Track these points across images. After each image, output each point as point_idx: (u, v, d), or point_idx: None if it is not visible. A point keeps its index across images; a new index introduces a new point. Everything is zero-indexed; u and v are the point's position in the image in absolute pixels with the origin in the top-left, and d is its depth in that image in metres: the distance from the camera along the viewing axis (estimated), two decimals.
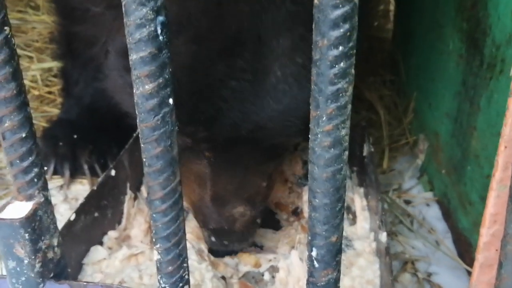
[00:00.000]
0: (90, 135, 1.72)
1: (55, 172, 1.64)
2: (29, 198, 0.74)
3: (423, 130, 1.76)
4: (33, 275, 0.73)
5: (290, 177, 1.59)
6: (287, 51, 0.99)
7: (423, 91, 1.81)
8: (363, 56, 1.58)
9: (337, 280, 0.73)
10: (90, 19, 1.31)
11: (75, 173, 1.66)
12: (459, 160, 1.39)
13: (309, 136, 0.65)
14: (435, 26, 1.67)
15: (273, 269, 1.22)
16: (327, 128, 0.62)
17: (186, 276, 0.77)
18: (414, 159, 1.79)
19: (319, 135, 0.63)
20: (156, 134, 0.65)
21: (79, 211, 1.16)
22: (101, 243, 1.26)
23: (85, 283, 0.80)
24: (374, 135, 1.88)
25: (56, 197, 1.57)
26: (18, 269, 0.73)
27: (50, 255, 0.77)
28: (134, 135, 1.49)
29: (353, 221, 1.34)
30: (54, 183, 1.63)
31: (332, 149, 0.63)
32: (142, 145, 0.67)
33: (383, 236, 1.08)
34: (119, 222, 1.36)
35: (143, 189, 1.51)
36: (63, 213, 1.49)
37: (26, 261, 0.72)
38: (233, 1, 0.96)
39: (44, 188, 0.76)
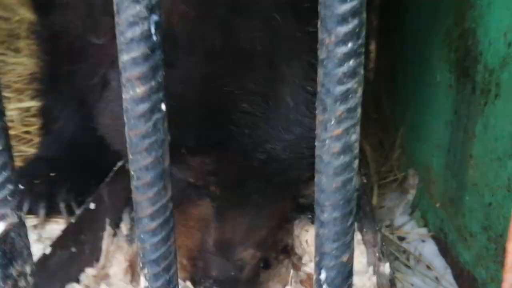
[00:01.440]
0: (68, 173, 1.65)
1: (30, 212, 1.55)
2: (1, 218, 0.66)
3: (412, 165, 1.73)
4: None
5: None
6: (297, 78, 0.96)
7: (411, 126, 1.79)
8: None
9: None
10: (88, 53, 1.26)
11: (51, 212, 1.57)
12: (455, 191, 1.35)
13: (316, 143, 0.60)
14: (420, 61, 1.68)
15: None
16: (336, 133, 0.57)
17: None
18: (404, 195, 1.75)
19: (327, 141, 0.57)
20: (146, 143, 0.59)
21: (55, 245, 1.07)
22: (77, 281, 1.15)
23: None
24: (361, 172, 1.84)
25: (29, 237, 1.46)
26: None
27: (21, 284, 0.68)
28: (115, 168, 1.42)
29: None
30: (29, 222, 1.53)
31: (342, 156, 0.58)
32: (130, 156, 0.61)
33: (386, 267, 1.01)
34: (97, 260, 1.26)
35: (123, 225, 1.42)
36: (36, 253, 1.38)
37: None
38: (247, 23, 0.93)
39: (19, 208, 0.68)
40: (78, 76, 1.34)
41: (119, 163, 1.43)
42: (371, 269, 1.15)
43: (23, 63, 2.58)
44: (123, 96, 0.58)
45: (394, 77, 1.98)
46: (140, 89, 0.57)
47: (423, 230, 1.57)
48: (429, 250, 1.49)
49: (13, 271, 0.66)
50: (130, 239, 1.39)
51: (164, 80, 0.58)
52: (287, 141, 0.97)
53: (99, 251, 1.28)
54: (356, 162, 0.60)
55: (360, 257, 1.23)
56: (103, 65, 1.04)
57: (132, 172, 0.62)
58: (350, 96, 0.55)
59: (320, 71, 0.55)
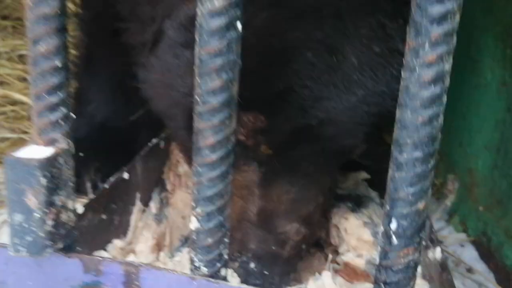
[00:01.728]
0: (97, 154, 1.62)
1: None
2: (51, 142, 0.62)
3: (452, 171, 1.66)
4: (42, 234, 0.59)
5: None
6: (364, 38, 0.90)
7: (452, 131, 1.72)
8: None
9: (417, 264, 0.59)
10: (137, 15, 1.22)
11: (77, 191, 1.53)
12: (504, 191, 1.28)
13: (402, 72, 0.54)
14: (467, 63, 1.62)
15: None
16: (429, 59, 0.52)
17: (225, 256, 0.63)
18: (441, 201, 1.67)
19: (417, 68, 0.52)
20: (217, 63, 0.55)
21: (88, 207, 1.02)
22: (104, 250, 1.10)
23: (100, 258, 0.65)
24: None
25: None
26: (25, 224, 0.59)
27: (64, 217, 0.63)
28: (150, 144, 1.38)
29: None
30: None
31: (433, 86, 0.53)
32: (198, 79, 0.57)
33: (437, 252, 0.94)
34: (125, 234, 1.21)
35: (152, 204, 1.37)
36: None
37: (36, 215, 0.59)
38: None
39: (69, 135, 0.64)
40: (122, 44, 1.31)
41: (154, 140, 1.39)
42: None
43: None
44: (198, 11, 0.54)
45: None
46: (218, 1, 0.53)
47: (462, 235, 1.49)
48: (470, 254, 1.41)
49: (57, 200, 0.61)
50: (158, 219, 1.34)
51: None
52: (348, 102, 0.90)
53: (128, 225, 1.23)
54: (445, 96, 0.54)
55: None
56: (156, 19, 1.00)
57: (196, 97, 0.57)
58: (449, 17, 0.50)
59: None
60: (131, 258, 1.11)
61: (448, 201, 1.63)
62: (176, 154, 1.48)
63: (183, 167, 1.51)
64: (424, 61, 0.52)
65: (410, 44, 0.52)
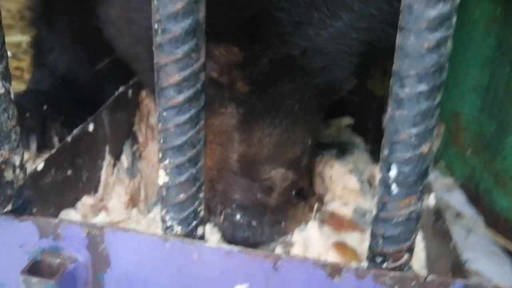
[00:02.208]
0: (62, 107, 1.52)
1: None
2: None
3: None
4: None
5: None
6: None
7: None
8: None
9: (419, 216, 0.52)
10: None
11: (43, 147, 1.44)
12: (493, 134, 1.22)
13: None
14: None
15: (286, 244, 1.00)
16: None
17: (202, 213, 0.55)
18: None
19: None
20: None
21: (49, 163, 0.92)
22: (73, 208, 1.02)
23: (56, 221, 0.56)
24: None
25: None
26: None
27: (8, 175, 0.54)
28: (116, 93, 1.27)
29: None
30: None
31: (441, 3, 0.44)
32: (155, 2, 0.46)
33: (431, 199, 0.88)
34: (95, 190, 1.12)
35: (124, 158, 1.28)
36: None
37: None
38: None
39: (5, 77, 0.53)
40: None
41: (121, 88, 1.28)
42: None
43: None
44: None
45: None
46: None
47: (449, 180, 1.45)
48: (457, 199, 1.37)
49: None
50: (131, 173, 1.26)
51: None
52: (333, 27, 0.80)
53: (98, 180, 1.14)
54: (455, 15, 0.45)
55: None
56: None
57: (155, 25, 0.47)
58: None
59: None
60: (102, 215, 1.03)
61: (434, 146, 1.58)
62: (147, 104, 1.38)
63: (155, 118, 1.42)
64: None
65: None
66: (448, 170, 1.47)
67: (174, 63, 0.47)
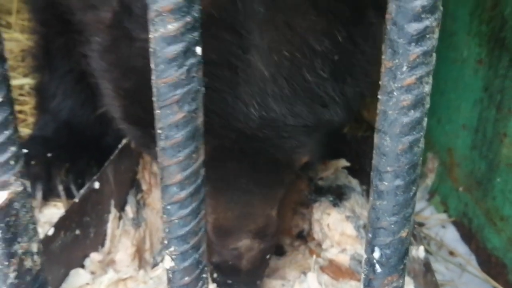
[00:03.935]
0: (67, 153, 1.55)
1: None
2: (3, 186, 0.56)
3: (431, 148, 1.65)
4: None
5: (293, 196, 1.43)
6: (273, 44, 0.80)
7: (430, 107, 1.70)
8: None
9: None
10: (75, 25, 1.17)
11: (49, 195, 1.47)
12: (484, 173, 1.27)
13: (379, 96, 0.51)
14: (443, 35, 1.59)
15: None
16: (407, 82, 0.48)
17: None
18: (422, 180, 1.66)
19: (395, 92, 0.48)
20: (178, 94, 0.50)
21: (59, 226, 0.97)
22: (82, 267, 1.06)
23: None
24: None
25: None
26: None
27: (28, 263, 0.59)
28: (120, 146, 1.32)
29: None
30: None
31: (412, 111, 0.49)
32: (158, 111, 0.52)
33: (420, 251, 0.93)
34: (102, 244, 1.17)
35: (128, 208, 1.33)
36: None
37: None
38: None
39: (23, 175, 0.58)
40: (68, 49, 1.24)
41: (124, 141, 1.33)
42: None
43: (15, 39, 2.45)
44: (151, 35, 0.49)
45: None
46: (172, 26, 0.48)
47: (443, 216, 1.49)
48: (451, 236, 1.41)
49: (18, 248, 0.56)
50: (136, 223, 1.30)
51: (200, 15, 0.49)
52: (264, 118, 0.83)
53: (104, 235, 1.18)
54: (426, 119, 0.51)
55: None
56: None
57: (159, 131, 0.52)
58: (427, 36, 0.46)
59: (392, 5, 0.46)
60: (111, 273, 1.07)
61: (429, 181, 1.63)
62: (147, 155, 1.43)
63: (158, 165, 1.46)
64: (402, 85, 0.48)
65: (386, 65, 0.48)
66: (443, 205, 1.52)
67: (177, 164, 0.53)
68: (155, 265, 1.22)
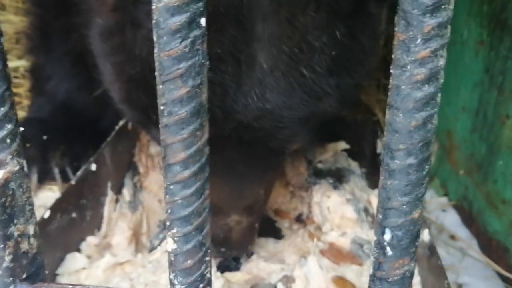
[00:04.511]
0: (62, 136, 1.54)
1: None
2: None
3: None
4: (0, 272, 0.53)
5: (292, 180, 1.41)
6: (273, 38, 0.82)
7: None
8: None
9: (412, 274, 0.56)
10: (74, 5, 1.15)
11: (44, 178, 1.45)
12: (484, 156, 1.26)
13: (391, 70, 0.48)
14: None
15: (287, 279, 1.03)
16: (421, 55, 0.46)
17: (208, 275, 0.58)
18: None
19: (408, 66, 0.46)
20: (182, 68, 0.48)
21: (55, 208, 0.95)
22: (78, 250, 1.04)
23: (70, 287, 0.59)
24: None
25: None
26: None
27: (24, 246, 0.57)
28: (117, 127, 1.30)
29: (372, 224, 1.18)
30: None
31: (426, 85, 0.47)
32: (160, 86, 0.49)
33: (425, 234, 0.91)
34: (99, 228, 1.15)
35: (125, 191, 1.31)
36: None
37: None
38: None
39: (19, 154, 0.56)
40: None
41: (121, 122, 1.31)
42: None
43: (10, 20, 2.40)
44: (153, 7, 0.46)
45: None
46: None
47: (444, 199, 1.48)
48: (451, 220, 1.40)
49: (14, 231, 0.54)
50: (133, 206, 1.28)
51: None
52: (262, 110, 0.85)
53: (101, 218, 1.17)
54: (440, 94, 0.49)
55: None
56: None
57: (162, 107, 0.50)
58: (443, 7, 0.44)
59: None
60: (108, 257, 1.05)
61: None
62: (146, 134, 1.41)
63: (155, 148, 1.44)
64: (416, 58, 0.46)
65: (399, 37, 0.46)
66: (443, 189, 1.51)
67: (180, 142, 0.50)
68: (152, 249, 1.20)
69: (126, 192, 1.30)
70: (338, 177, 1.28)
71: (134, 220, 1.23)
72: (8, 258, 0.53)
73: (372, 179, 1.35)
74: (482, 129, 1.28)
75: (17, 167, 0.55)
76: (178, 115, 0.49)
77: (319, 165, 1.34)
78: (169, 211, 0.54)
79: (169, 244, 0.56)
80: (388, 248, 0.53)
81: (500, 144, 1.18)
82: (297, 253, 1.18)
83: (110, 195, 1.21)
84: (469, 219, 1.34)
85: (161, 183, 1.40)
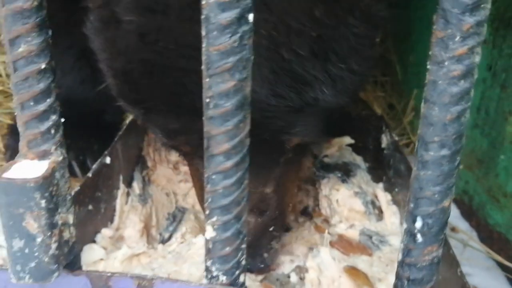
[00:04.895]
0: (66, 130, 1.53)
1: None
2: (43, 155, 0.56)
3: None
4: (46, 259, 0.54)
5: (299, 174, 1.44)
6: None
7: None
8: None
9: (439, 260, 0.59)
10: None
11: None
12: (485, 151, 1.29)
13: (428, 66, 0.51)
14: None
15: (300, 270, 1.06)
16: (459, 52, 0.48)
17: (243, 262, 0.60)
18: None
19: (446, 62, 0.49)
20: (230, 62, 0.50)
21: (74, 201, 0.95)
22: (93, 242, 1.05)
23: (108, 274, 0.61)
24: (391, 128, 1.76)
25: None
26: (26, 251, 0.54)
27: (66, 235, 0.59)
28: (127, 121, 1.31)
29: (380, 216, 1.21)
30: None
31: (462, 81, 0.50)
32: (207, 79, 0.51)
33: None
34: (112, 220, 1.16)
35: (135, 184, 1.32)
36: None
37: (39, 239, 0.54)
38: None
39: (62, 144, 0.58)
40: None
41: (131, 116, 1.32)
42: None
43: None
44: (203, 1, 0.48)
45: (409, 38, 1.90)
46: None
47: None
48: (451, 213, 1.43)
49: (59, 219, 0.56)
50: (143, 199, 1.30)
51: None
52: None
53: (113, 210, 1.18)
54: (473, 90, 0.52)
55: (393, 218, 1.17)
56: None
57: (207, 100, 0.52)
58: (481, 6, 0.47)
59: None
60: (124, 248, 1.06)
61: None
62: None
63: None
64: (454, 55, 0.48)
65: (437, 35, 0.49)
66: None
67: (224, 133, 0.53)
68: (161, 241, 1.22)
69: (136, 186, 1.31)
70: (345, 171, 1.30)
71: (145, 213, 1.25)
72: (54, 246, 0.55)
73: (376, 173, 1.38)
74: (484, 125, 1.32)
75: (61, 157, 0.57)
76: (224, 107, 0.51)
77: (326, 159, 1.37)
78: (209, 200, 0.56)
79: (208, 232, 0.58)
80: (418, 235, 0.56)
81: (503, 139, 1.21)
82: (305, 245, 1.21)
83: (122, 188, 1.22)
84: (469, 212, 1.38)
85: (169, 176, 1.43)
